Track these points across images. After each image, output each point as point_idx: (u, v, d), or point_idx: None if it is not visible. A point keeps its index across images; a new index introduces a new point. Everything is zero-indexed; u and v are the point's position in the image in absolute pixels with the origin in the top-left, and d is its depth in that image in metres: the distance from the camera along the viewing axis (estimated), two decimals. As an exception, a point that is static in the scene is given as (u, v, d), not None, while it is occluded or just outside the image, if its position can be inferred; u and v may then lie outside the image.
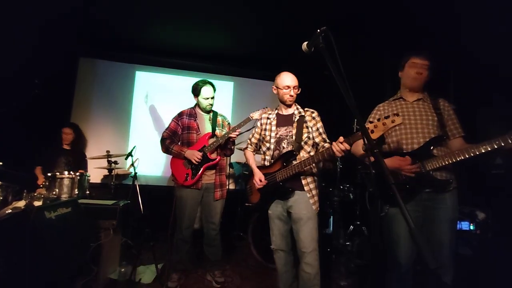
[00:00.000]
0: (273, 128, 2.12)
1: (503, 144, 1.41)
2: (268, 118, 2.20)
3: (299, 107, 2.14)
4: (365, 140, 0.91)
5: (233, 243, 3.71)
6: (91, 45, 4.26)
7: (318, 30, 1.30)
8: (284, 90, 2.04)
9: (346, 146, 1.67)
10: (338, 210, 3.46)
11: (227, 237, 3.78)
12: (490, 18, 2.73)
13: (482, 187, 2.50)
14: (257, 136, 2.26)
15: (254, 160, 2.26)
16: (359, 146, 1.92)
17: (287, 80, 2.04)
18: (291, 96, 2.04)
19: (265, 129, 2.18)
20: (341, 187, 3.42)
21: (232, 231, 3.86)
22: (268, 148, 2.12)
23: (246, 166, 4.02)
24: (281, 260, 2.11)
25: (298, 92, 2.08)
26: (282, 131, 2.08)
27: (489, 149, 1.44)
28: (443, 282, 1.65)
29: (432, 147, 1.62)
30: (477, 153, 1.47)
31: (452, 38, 3.11)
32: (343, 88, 1.09)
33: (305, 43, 1.42)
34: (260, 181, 2.06)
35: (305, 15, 3.38)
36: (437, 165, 1.58)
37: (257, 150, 2.32)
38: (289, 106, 2.12)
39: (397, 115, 1.50)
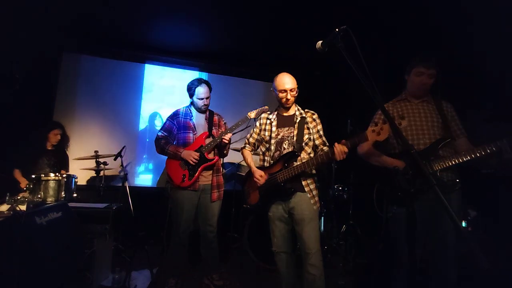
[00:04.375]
0: (273, 128, 2.09)
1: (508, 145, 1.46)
2: (268, 119, 2.16)
3: (299, 108, 2.13)
4: (400, 141, 0.89)
5: (228, 244, 3.64)
6: (77, 39, 4.04)
7: (337, 29, 1.28)
8: (281, 94, 2.02)
9: (344, 148, 1.69)
10: (332, 210, 3.50)
11: (222, 238, 3.72)
12: (478, 20, 2.85)
13: (473, 185, 2.60)
14: (255, 136, 2.22)
15: (252, 159, 2.21)
16: (365, 147, 1.93)
17: (283, 83, 2.01)
18: (288, 99, 2.02)
19: (265, 129, 2.14)
20: (335, 187, 3.46)
21: (226, 232, 3.79)
22: (268, 149, 2.09)
23: (239, 166, 3.98)
24: (283, 262, 2.07)
25: (296, 95, 2.05)
26: (284, 132, 2.05)
27: (495, 149, 1.49)
28: (447, 280, 1.68)
29: (438, 148, 1.65)
30: (483, 153, 1.51)
31: (439, 40, 3.22)
32: (368, 86, 1.08)
33: (320, 42, 1.40)
34: (261, 176, 2.02)
35: (299, 16, 3.39)
36: (444, 166, 1.61)
37: (255, 150, 2.28)
38: (288, 108, 2.09)
39: (403, 118, 1.51)
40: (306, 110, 2.13)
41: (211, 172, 2.58)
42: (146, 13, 3.48)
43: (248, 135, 2.27)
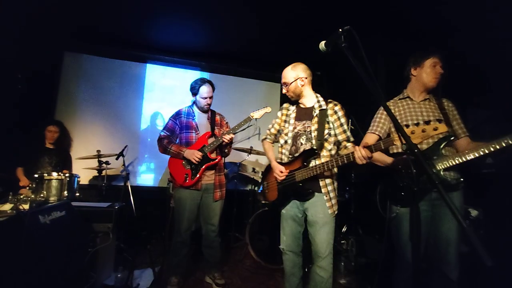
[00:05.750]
0: (292, 121, 2.00)
1: (511, 143, 1.46)
2: (288, 109, 2.08)
3: (320, 99, 1.97)
4: (404, 140, 0.90)
5: (230, 244, 3.65)
6: (78, 38, 4.05)
7: (340, 30, 1.29)
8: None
9: (367, 153, 1.53)
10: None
11: (224, 238, 3.73)
12: (479, 20, 2.85)
13: (475, 185, 2.61)
14: (277, 127, 2.14)
15: (273, 153, 2.13)
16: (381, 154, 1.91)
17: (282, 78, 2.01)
18: (285, 93, 2.01)
19: (285, 121, 2.06)
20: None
21: (227, 231, 3.80)
22: (286, 142, 2.01)
23: (240, 166, 3.99)
24: (289, 261, 2.02)
25: (290, 87, 1.96)
26: (300, 126, 1.95)
27: (498, 147, 1.48)
28: (449, 280, 1.69)
29: (441, 147, 1.65)
30: (487, 152, 1.51)
31: (440, 38, 3.22)
32: (372, 87, 1.09)
33: (323, 42, 1.40)
34: (281, 172, 1.93)
35: (300, 16, 3.39)
36: (447, 165, 1.61)
37: (276, 141, 2.20)
38: (295, 101, 2.02)
39: (440, 121, 1.45)
40: (329, 100, 1.96)
41: (213, 171, 2.59)
42: (147, 12, 3.48)
43: (270, 126, 2.20)
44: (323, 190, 1.86)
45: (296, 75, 1.95)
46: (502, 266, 2.14)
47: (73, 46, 4.10)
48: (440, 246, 1.72)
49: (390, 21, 3.29)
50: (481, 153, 1.53)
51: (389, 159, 1.81)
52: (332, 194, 1.87)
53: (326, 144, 1.89)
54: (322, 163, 1.77)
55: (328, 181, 1.88)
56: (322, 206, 1.85)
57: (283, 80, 1.99)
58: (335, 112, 1.91)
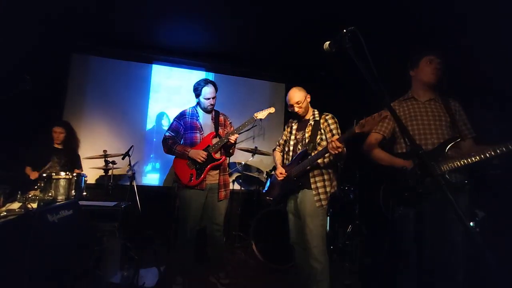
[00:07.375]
0: (293, 132, 2.30)
1: None
2: (292, 123, 2.37)
3: (316, 114, 2.24)
4: (408, 141, 0.90)
5: (234, 243, 3.67)
6: (86, 40, 4.11)
7: (344, 30, 1.29)
8: (290, 108, 2.25)
9: (337, 143, 1.77)
10: (338, 210, 3.50)
11: (228, 237, 3.75)
12: (487, 19, 2.82)
13: (481, 186, 2.58)
14: (284, 137, 2.41)
15: (279, 158, 2.42)
16: (372, 147, 1.93)
17: (288, 99, 2.24)
18: (297, 112, 2.22)
19: (290, 132, 2.35)
20: (341, 187, 3.46)
21: (232, 231, 3.82)
22: (289, 150, 2.29)
23: (244, 166, 4.01)
24: (298, 254, 2.19)
25: (303, 105, 2.20)
26: (299, 135, 2.25)
27: (505, 150, 1.47)
28: (454, 281, 1.67)
29: (446, 149, 1.64)
30: (493, 154, 1.49)
31: (446, 38, 3.20)
32: (376, 88, 1.09)
33: (327, 42, 1.40)
34: (281, 174, 2.19)
35: (305, 16, 3.39)
36: (453, 167, 1.59)
37: (284, 150, 2.45)
38: (296, 116, 2.27)
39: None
40: (325, 113, 2.23)
41: (218, 171, 2.61)
42: (153, 14, 3.51)
43: (280, 138, 2.49)
44: (312, 186, 2.08)
45: (305, 94, 2.23)
46: (507, 268, 2.13)
47: (80, 48, 4.16)
48: (445, 247, 1.70)
49: (394, 22, 3.27)
50: (488, 156, 1.51)
51: (395, 159, 1.80)
52: (320, 190, 2.07)
53: (318, 148, 2.11)
54: (308, 158, 2.03)
55: (318, 178, 2.09)
56: (310, 200, 2.05)
57: (295, 100, 2.18)
58: (326, 121, 2.18)
